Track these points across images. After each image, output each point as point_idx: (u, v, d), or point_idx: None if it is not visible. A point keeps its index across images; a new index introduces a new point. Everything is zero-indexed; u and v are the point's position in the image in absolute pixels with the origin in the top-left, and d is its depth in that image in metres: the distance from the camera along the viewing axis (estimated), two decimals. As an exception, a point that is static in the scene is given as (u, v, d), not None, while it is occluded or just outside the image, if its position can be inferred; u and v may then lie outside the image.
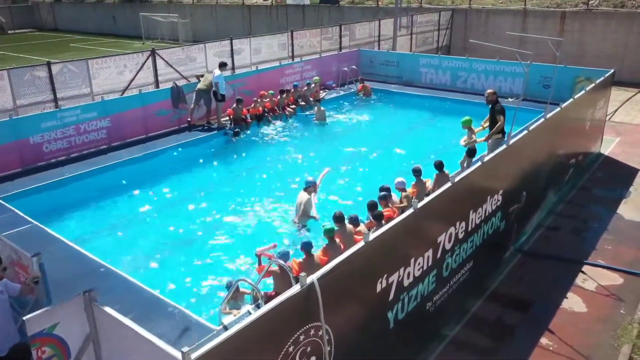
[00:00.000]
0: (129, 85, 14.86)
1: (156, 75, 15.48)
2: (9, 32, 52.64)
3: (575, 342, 7.27)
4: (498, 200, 8.32)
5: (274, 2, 37.46)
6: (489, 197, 7.97)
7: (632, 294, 8.36)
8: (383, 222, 7.23)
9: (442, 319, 7.51)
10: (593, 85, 12.25)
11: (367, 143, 14.29)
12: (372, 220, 7.37)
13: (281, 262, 6.03)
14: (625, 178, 12.80)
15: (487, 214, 8.03)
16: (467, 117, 10.98)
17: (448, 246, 7.04)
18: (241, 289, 6.61)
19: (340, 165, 12.67)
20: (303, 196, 9.71)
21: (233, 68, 17.58)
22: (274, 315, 4.38)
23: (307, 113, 16.59)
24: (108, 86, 14.52)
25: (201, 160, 13.15)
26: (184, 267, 8.50)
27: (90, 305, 4.51)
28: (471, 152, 9.87)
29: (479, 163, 7.47)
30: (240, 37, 19.10)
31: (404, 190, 8.85)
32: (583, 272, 9.01)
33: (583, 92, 11.50)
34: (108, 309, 4.39)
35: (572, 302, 8.19)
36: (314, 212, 9.64)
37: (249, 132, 14.86)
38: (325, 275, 4.87)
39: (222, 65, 14.26)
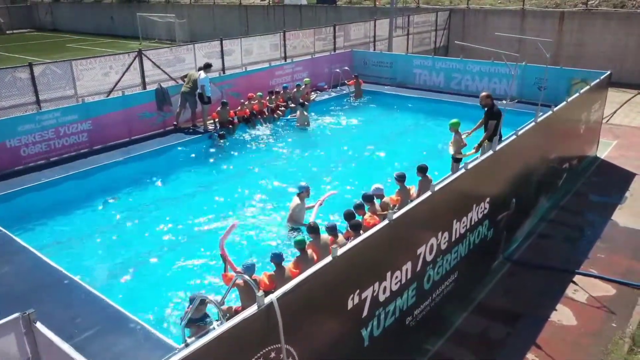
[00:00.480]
0: (114, 86, 14.56)
1: (143, 77, 15.19)
2: (7, 32, 52.48)
3: (563, 358, 6.94)
4: (485, 208, 7.99)
5: (271, 2, 37.17)
6: (474, 205, 7.64)
7: (624, 306, 8.01)
8: (361, 232, 6.88)
9: (424, 333, 7.18)
10: (587, 87, 11.90)
11: (356, 147, 13.96)
12: (349, 230, 7.02)
13: (246, 277, 5.69)
14: (621, 183, 12.44)
15: (473, 222, 7.70)
16: (455, 120, 10.58)
17: (429, 258, 6.71)
18: (208, 301, 6.28)
19: (329, 169, 12.35)
20: (295, 201, 9.44)
21: (223, 69, 17.29)
22: (232, 336, 4.07)
23: (289, 117, 15.92)
24: (93, 88, 14.23)
25: (185, 165, 12.79)
26: (159, 278, 8.18)
27: (31, 328, 4.19)
28: (458, 159, 9.53)
29: (462, 170, 7.13)
30: (232, 37, 18.78)
31: (382, 197, 8.49)
32: (574, 282, 8.66)
33: (576, 94, 11.16)
34: (47, 332, 4.06)
35: (562, 315, 7.85)
36: (312, 217, 9.38)
37: (235, 135, 14.51)
38: (287, 294, 4.55)
39: (207, 67, 13.92)
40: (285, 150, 13.87)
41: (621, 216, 10.83)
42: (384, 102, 17.79)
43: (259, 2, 39.13)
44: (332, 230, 7.15)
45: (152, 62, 15.37)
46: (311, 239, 6.91)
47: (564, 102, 10.52)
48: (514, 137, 8.56)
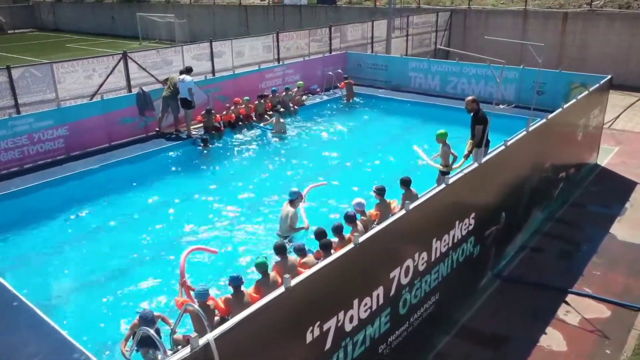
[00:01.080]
0: (97, 90, 14.12)
1: (128, 80, 14.73)
2: (9, 32, 52.32)
3: (550, 389, 6.43)
4: (470, 225, 7.46)
5: (270, 2, 36.74)
6: (457, 222, 7.12)
7: (619, 329, 7.46)
8: (333, 252, 6.39)
9: (401, 360, 6.67)
10: (585, 93, 11.34)
11: (346, 153, 13.44)
12: (319, 250, 6.51)
13: (195, 306, 5.20)
14: (621, 192, 11.87)
15: (456, 240, 7.18)
16: (442, 130, 9.95)
17: (405, 281, 6.21)
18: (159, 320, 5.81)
19: (317, 178, 11.84)
20: (288, 209, 8.93)
21: (213, 72, 16.81)
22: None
23: (263, 124, 14.94)
24: (75, 91, 13.79)
25: (165, 173, 12.26)
26: (121, 297, 7.68)
27: None
28: (446, 172, 9.01)
29: (443, 186, 6.62)
30: (223, 39, 18.31)
31: (363, 213, 7.97)
32: (567, 302, 8.12)
33: (573, 101, 10.60)
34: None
35: (552, 339, 7.31)
36: (305, 222, 9.01)
37: (220, 141, 13.96)
38: (229, 332, 4.06)
39: (190, 70, 13.44)
40: (271, 157, 13.36)
41: (620, 229, 10.27)
42: (377, 106, 17.26)
43: (258, 2, 38.72)
44: (300, 251, 6.65)
45: (138, 64, 14.92)
46: (277, 260, 6.41)
47: (559, 109, 9.97)
48: (503, 147, 8.03)
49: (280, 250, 6.51)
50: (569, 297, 8.23)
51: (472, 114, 10.29)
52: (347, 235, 7.28)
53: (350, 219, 7.47)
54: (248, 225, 9.79)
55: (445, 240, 6.92)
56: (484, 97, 14.91)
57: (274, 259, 6.73)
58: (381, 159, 13.17)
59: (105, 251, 9.01)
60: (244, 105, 14.63)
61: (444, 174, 9.36)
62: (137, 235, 9.44)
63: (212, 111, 13.99)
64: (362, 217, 7.81)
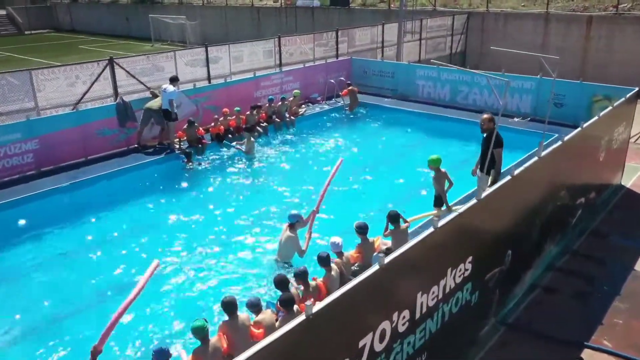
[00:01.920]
0: (81, 98, 13.27)
1: (115, 87, 13.85)
2: (26, 32, 52.38)
3: None
4: (466, 270, 6.34)
5: (283, 4, 35.84)
6: (449, 270, 6.01)
7: (643, 399, 6.28)
8: (295, 308, 5.33)
9: None
10: (609, 108, 10.08)
11: (345, 171, 12.27)
12: (278, 304, 5.44)
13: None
14: (649, 220, 10.60)
15: (447, 291, 6.07)
16: (435, 156, 8.54)
17: (380, 347, 5.12)
18: None
19: (310, 198, 10.79)
20: (288, 233, 7.95)
21: (209, 79, 15.87)
22: None
23: (235, 143, 13.25)
24: (56, 100, 12.95)
25: (142, 191, 11.22)
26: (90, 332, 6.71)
27: None
28: (439, 200, 7.89)
29: (430, 230, 5.51)
30: (218, 43, 17.36)
31: (340, 254, 6.86)
32: (581, 359, 6.95)
33: (595, 118, 9.36)
34: None
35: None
36: (304, 246, 8.06)
37: (205, 156, 12.88)
38: None
39: (174, 80, 12.47)
40: (261, 174, 12.27)
41: (647, 266, 9.02)
42: (382, 117, 16.06)
43: (271, 3, 37.87)
44: (253, 307, 5.59)
45: (126, 71, 14.03)
46: (227, 318, 5.35)
47: (578, 129, 8.75)
48: (509, 178, 6.88)
49: (228, 307, 5.38)
50: (585, 352, 7.05)
51: (485, 134, 8.86)
52: (318, 280, 6.22)
53: (323, 261, 6.40)
54: (231, 256, 8.77)
55: (433, 293, 5.81)
56: (497, 108, 13.68)
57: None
58: (384, 177, 12.02)
59: (73, 281, 8.16)
60: (234, 117, 13.56)
61: (438, 204, 8.23)
62: (93, 272, 8.42)
63: (195, 124, 12.95)
64: (338, 260, 6.70)
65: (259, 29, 36.43)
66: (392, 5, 30.01)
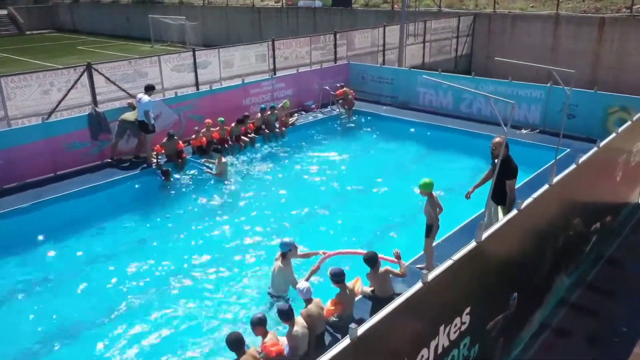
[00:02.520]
0: (56, 106, 12.36)
1: (94, 95, 12.94)
2: (27, 32, 51.78)
3: None
4: (463, 323, 5.37)
5: (284, 4, 34.93)
6: (442, 328, 5.05)
7: None
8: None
9: None
10: (629, 123, 9.05)
11: (336, 189, 11.36)
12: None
13: None
14: (670, 244, 9.56)
15: (441, 350, 5.11)
16: (427, 180, 7.33)
17: None
18: None
19: (296, 221, 9.84)
20: (279, 263, 7.04)
21: (197, 85, 14.93)
22: None
23: (203, 161, 12.04)
24: (29, 109, 12.05)
25: (113, 212, 10.19)
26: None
27: None
28: (430, 229, 6.91)
29: (419, 285, 4.54)
30: (211, 46, 16.42)
31: (309, 301, 5.82)
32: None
33: (611, 137, 8.34)
34: None
35: None
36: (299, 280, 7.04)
37: (184, 171, 11.86)
38: None
39: (150, 89, 11.52)
40: (244, 193, 11.28)
41: (670, 302, 8.00)
42: (380, 127, 15.01)
43: (272, 4, 36.97)
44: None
45: (106, 77, 13.12)
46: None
47: (594, 149, 7.75)
48: (516, 213, 5.89)
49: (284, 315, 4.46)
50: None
51: (496, 160, 7.37)
52: (281, 339, 5.25)
53: (284, 315, 5.42)
54: (217, 289, 7.89)
55: (423, 356, 4.86)
56: (504, 119, 12.66)
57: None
58: (377, 197, 11.03)
59: (32, 318, 7.34)
60: (218, 128, 12.56)
61: (430, 234, 7.24)
62: (53, 302, 7.57)
63: (175, 137, 11.97)
64: (303, 311, 5.70)
65: (259, 29, 35.60)
66: (396, 6, 28.99)
